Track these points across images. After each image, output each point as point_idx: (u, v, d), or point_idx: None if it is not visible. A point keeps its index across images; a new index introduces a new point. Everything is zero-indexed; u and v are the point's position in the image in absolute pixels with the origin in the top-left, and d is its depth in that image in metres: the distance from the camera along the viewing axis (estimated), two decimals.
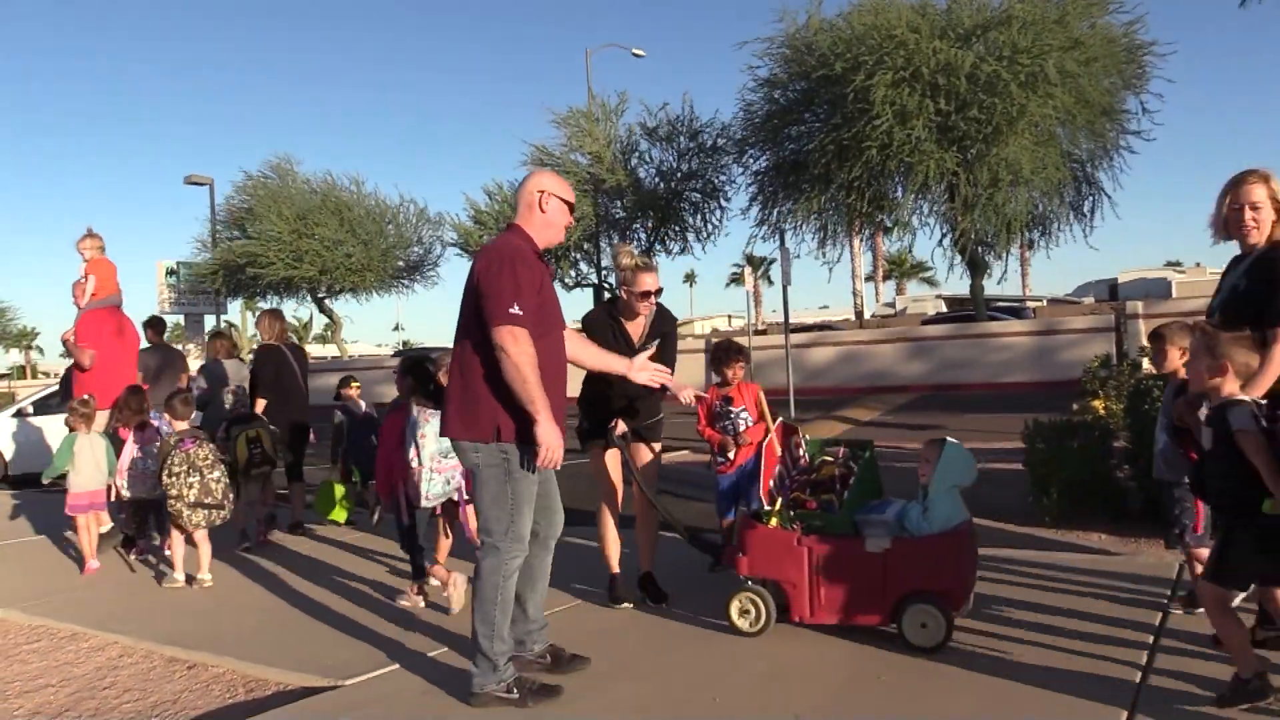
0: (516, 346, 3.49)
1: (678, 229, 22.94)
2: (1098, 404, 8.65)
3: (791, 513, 4.36)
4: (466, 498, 5.30)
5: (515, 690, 3.72)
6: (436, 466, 5.17)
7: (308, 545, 7.16)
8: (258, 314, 8.76)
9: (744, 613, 4.40)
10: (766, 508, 4.43)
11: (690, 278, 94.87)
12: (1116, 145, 16.74)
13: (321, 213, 24.74)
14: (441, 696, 3.87)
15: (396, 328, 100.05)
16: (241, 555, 6.83)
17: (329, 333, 30.68)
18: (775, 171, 18.45)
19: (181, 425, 6.22)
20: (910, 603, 4.07)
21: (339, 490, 7.77)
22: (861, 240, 38.52)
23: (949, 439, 4.34)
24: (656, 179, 22.53)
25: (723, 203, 22.51)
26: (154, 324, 9.01)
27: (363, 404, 7.85)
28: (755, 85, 18.13)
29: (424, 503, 5.22)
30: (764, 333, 31.83)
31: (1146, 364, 9.81)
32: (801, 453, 4.82)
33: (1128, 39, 15.71)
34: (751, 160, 19.33)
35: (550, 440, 3.54)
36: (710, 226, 23.01)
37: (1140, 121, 16.45)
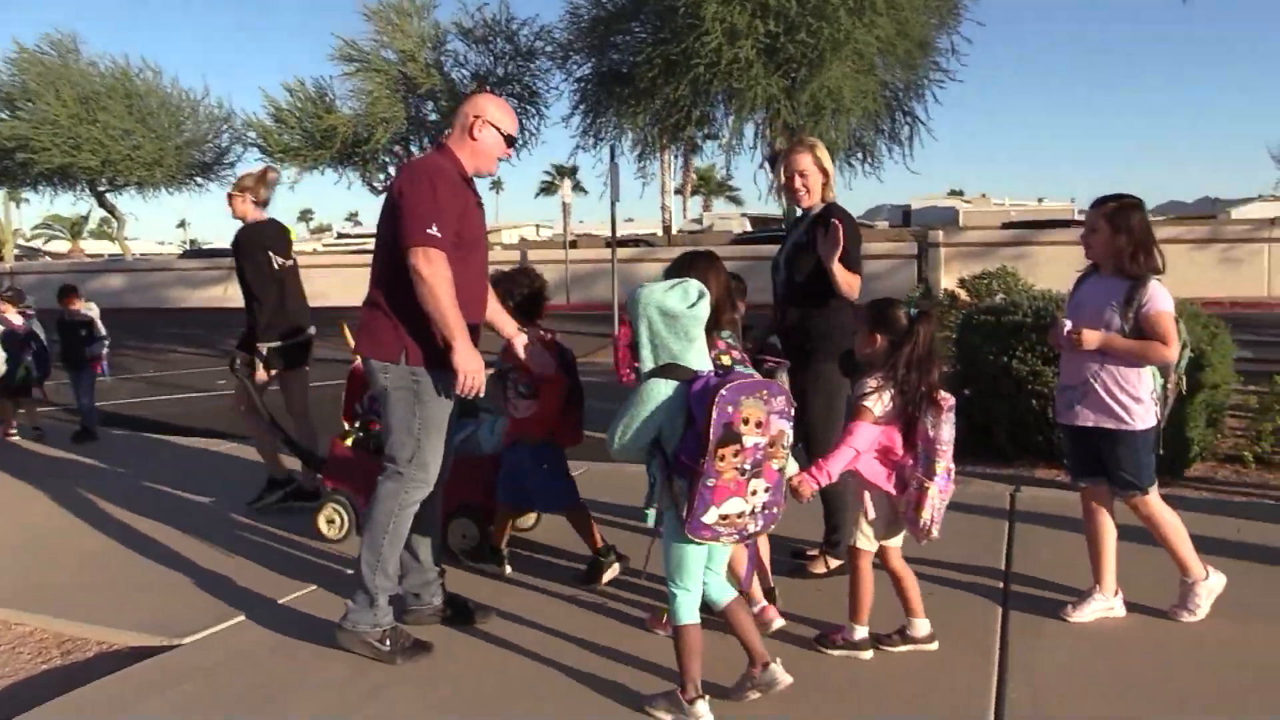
0: (430, 268, 3.28)
1: None
2: None
3: (362, 434, 4.88)
4: None
5: (388, 642, 3.48)
6: None
7: (127, 482, 6.49)
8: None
9: (330, 521, 4.92)
10: (346, 427, 4.97)
11: (497, 185, 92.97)
12: (929, 79, 17.26)
13: (109, 98, 22.37)
14: (298, 650, 3.57)
15: (181, 224, 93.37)
16: (50, 495, 6.05)
17: (110, 229, 28.17)
18: (599, 81, 18.02)
19: None
20: (454, 516, 4.50)
21: None
22: (673, 155, 38.66)
23: None
24: (471, 82, 21.59)
25: (542, 109, 21.91)
26: None
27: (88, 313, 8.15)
28: None
29: None
30: (575, 245, 31.53)
31: (964, 295, 10.36)
32: None
33: None
34: (575, 67, 18.77)
35: (469, 365, 3.33)
36: (526, 134, 22.37)
37: (951, 60, 16.96)
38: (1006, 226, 25.51)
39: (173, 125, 23.87)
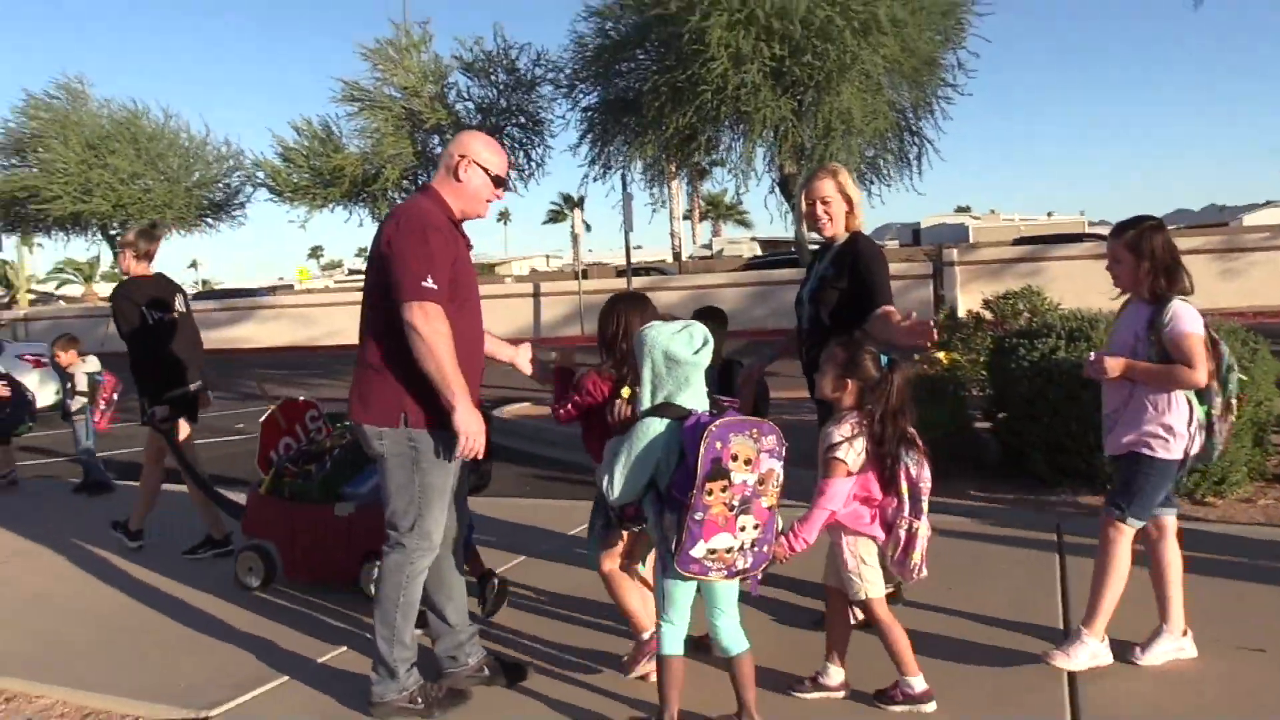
0: (429, 325, 3.10)
1: None
2: (943, 356, 8.73)
3: (283, 480, 4.87)
4: None
5: (420, 700, 3.35)
6: None
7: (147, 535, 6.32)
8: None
9: (250, 570, 4.88)
10: (262, 476, 4.94)
11: (504, 215, 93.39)
12: (936, 96, 17.20)
13: (117, 141, 22.48)
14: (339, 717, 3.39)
15: (193, 265, 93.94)
16: (59, 551, 5.88)
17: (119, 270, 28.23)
18: (606, 109, 18.02)
19: None
20: (370, 559, 4.39)
21: None
22: (680, 180, 38.70)
23: None
24: (477, 115, 21.58)
25: (547, 139, 21.88)
26: None
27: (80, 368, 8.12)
28: (585, 14, 17.56)
29: None
30: (586, 275, 31.50)
31: (989, 315, 10.18)
32: (320, 425, 5.24)
33: None
34: (582, 95, 18.78)
35: (470, 428, 3.15)
36: (533, 164, 22.35)
37: (957, 76, 16.90)
38: (1019, 243, 25.33)
39: (182, 167, 24.00)
